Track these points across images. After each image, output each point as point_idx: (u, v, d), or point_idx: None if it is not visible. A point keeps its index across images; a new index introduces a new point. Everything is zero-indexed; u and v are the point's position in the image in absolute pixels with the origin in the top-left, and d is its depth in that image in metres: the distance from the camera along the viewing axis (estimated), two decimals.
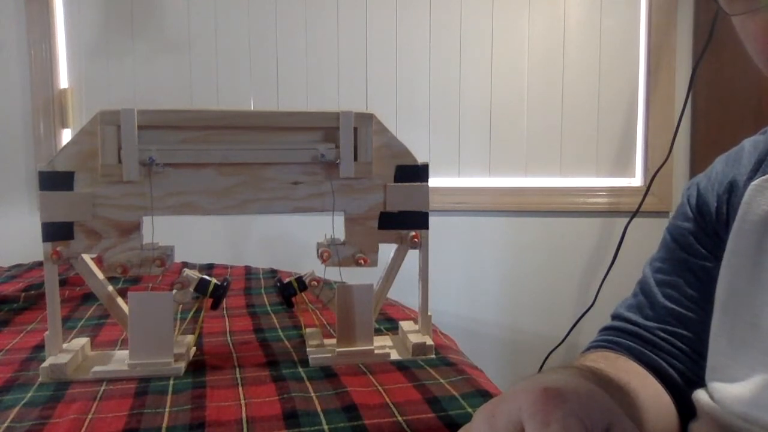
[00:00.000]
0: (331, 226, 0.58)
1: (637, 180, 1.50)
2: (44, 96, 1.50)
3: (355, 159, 0.57)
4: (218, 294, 0.61)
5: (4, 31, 1.50)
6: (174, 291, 0.59)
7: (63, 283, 0.96)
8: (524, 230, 1.51)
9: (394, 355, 0.60)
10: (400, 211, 0.60)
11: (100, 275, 0.58)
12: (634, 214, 1.40)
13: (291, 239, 1.45)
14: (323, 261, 0.59)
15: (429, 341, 0.60)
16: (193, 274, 0.60)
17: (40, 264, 1.25)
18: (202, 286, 0.60)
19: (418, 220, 0.60)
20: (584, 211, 1.50)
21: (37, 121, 1.51)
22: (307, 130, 0.57)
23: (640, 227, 1.44)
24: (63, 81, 1.52)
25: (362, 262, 0.59)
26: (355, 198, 0.59)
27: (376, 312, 0.61)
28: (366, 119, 0.57)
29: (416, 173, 0.59)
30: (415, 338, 0.61)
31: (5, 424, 0.45)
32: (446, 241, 1.49)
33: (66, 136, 1.53)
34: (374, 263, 0.60)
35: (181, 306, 0.61)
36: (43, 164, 0.54)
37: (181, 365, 0.56)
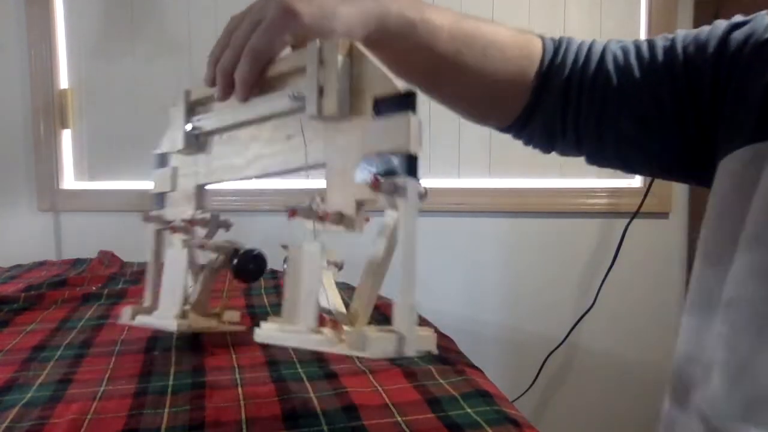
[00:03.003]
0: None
1: (636, 181, 1.50)
2: (44, 96, 1.50)
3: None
4: (243, 264, 0.57)
5: (4, 31, 1.50)
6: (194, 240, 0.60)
7: (63, 283, 0.96)
8: (524, 231, 1.51)
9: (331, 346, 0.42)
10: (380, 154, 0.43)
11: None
12: (634, 215, 1.40)
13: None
14: (290, 217, 0.46)
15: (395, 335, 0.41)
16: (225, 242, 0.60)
17: (40, 264, 1.25)
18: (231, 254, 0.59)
19: (402, 166, 0.42)
20: (584, 212, 1.50)
21: (37, 121, 1.51)
22: (294, 75, 0.49)
23: (640, 228, 1.44)
24: (63, 81, 1.52)
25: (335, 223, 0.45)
26: (335, 145, 0.47)
27: (370, 297, 0.44)
28: (332, 45, 0.46)
29: (400, 105, 0.43)
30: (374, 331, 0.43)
31: (5, 424, 0.45)
32: (446, 241, 1.49)
33: (66, 136, 1.54)
34: (354, 226, 0.45)
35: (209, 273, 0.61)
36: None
37: (175, 322, 0.58)
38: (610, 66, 0.56)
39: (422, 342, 0.39)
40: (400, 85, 0.43)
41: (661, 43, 0.56)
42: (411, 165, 0.41)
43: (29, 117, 1.51)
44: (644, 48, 0.56)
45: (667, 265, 1.51)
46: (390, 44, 0.52)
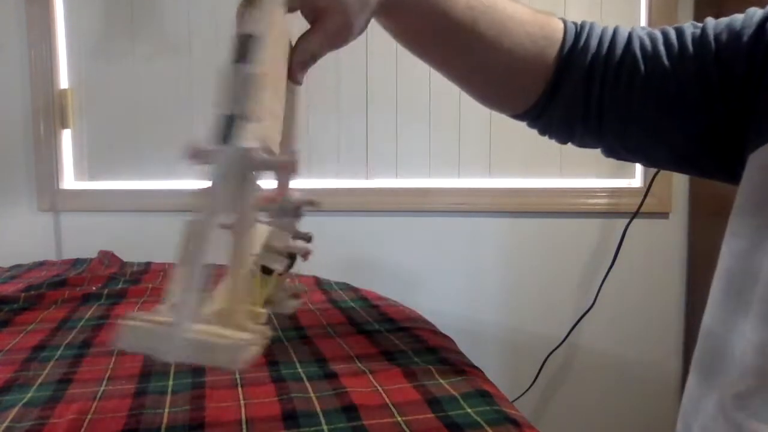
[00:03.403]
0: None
1: (637, 181, 1.50)
2: (44, 96, 1.50)
3: None
4: None
5: (4, 31, 1.50)
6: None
7: (63, 283, 0.96)
8: (524, 231, 1.51)
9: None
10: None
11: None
12: (634, 215, 1.40)
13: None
14: None
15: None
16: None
17: (40, 264, 1.25)
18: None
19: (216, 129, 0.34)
20: (584, 212, 1.50)
21: (37, 121, 1.51)
22: None
23: (640, 228, 1.44)
24: (63, 81, 1.52)
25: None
26: None
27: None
28: None
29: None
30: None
31: (5, 424, 0.45)
32: (446, 241, 1.49)
33: (66, 136, 1.53)
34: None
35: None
36: None
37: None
38: (638, 53, 0.54)
39: (205, 350, 0.29)
40: (249, 27, 0.34)
41: (689, 30, 0.53)
42: (226, 128, 0.33)
43: (29, 117, 1.51)
44: (672, 35, 0.54)
45: (667, 265, 1.51)
46: (405, 7, 0.52)
